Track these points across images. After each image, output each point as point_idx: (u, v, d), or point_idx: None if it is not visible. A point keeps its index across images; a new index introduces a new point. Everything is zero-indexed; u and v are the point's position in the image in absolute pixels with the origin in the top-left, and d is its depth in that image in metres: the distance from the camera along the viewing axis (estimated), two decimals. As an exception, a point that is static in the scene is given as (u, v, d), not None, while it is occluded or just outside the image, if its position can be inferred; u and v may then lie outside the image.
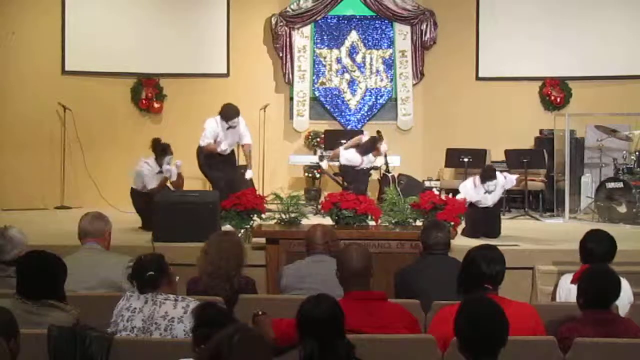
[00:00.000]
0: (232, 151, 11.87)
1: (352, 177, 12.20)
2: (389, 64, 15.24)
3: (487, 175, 10.40)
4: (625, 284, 5.59)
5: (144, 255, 5.26)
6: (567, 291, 6.12)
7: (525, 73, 15.00)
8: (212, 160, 11.57)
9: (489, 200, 10.46)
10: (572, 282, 5.79)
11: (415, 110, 14.93)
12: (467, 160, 12.77)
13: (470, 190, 10.45)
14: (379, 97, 15.19)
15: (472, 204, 10.34)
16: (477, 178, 10.51)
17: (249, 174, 11.95)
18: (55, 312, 4.88)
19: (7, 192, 13.73)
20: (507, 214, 12.66)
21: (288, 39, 15.04)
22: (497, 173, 10.57)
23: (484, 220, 10.45)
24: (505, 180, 10.68)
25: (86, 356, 4.61)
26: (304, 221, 9.47)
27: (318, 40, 15.26)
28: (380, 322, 4.87)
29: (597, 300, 4.94)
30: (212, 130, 11.52)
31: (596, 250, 6.09)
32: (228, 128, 11.48)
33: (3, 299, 4.88)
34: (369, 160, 12.28)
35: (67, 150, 14.07)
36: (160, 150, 11.01)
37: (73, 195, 13.92)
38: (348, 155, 12.17)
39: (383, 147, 12.37)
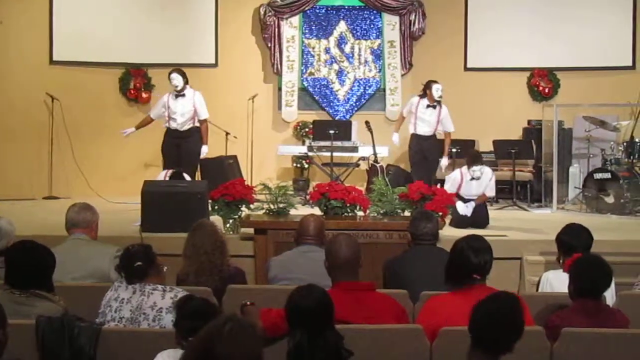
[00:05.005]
0: (191, 133, 11.85)
1: None
2: (378, 55, 15.24)
3: (473, 160, 10.49)
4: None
5: (132, 246, 5.26)
6: (549, 287, 6.16)
7: (513, 64, 15.04)
8: (167, 138, 11.82)
9: (474, 189, 10.51)
10: (565, 271, 5.81)
11: (404, 100, 14.85)
12: (455, 151, 12.75)
13: (457, 177, 10.53)
14: (367, 88, 15.19)
15: (459, 196, 10.44)
16: (464, 167, 10.62)
17: (204, 150, 11.96)
18: (43, 302, 4.87)
19: (-5, 182, 13.72)
20: (495, 205, 12.69)
21: (277, 29, 15.02)
22: (486, 167, 10.67)
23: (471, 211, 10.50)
24: (491, 177, 10.74)
25: (74, 346, 4.62)
26: (293, 211, 9.48)
27: (306, 31, 15.24)
28: (368, 312, 4.88)
29: (588, 289, 4.96)
30: (160, 100, 11.95)
31: (573, 243, 6.14)
32: (177, 96, 11.65)
33: (-9, 290, 4.88)
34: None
35: (55, 141, 14.02)
36: None
37: (61, 185, 13.90)
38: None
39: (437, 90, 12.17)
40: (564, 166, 13.58)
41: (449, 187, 10.38)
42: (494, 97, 14.90)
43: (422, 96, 12.27)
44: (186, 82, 11.78)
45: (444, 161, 12.38)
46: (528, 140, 13.59)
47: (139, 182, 10.03)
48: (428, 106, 12.15)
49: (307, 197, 11.48)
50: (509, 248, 9.30)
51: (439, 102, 12.16)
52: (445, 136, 12.36)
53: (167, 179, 10.84)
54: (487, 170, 10.68)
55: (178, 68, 11.95)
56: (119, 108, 14.76)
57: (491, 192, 10.91)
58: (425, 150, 12.23)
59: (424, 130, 12.20)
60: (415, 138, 12.28)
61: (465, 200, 10.53)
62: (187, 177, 11.12)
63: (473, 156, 10.70)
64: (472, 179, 10.53)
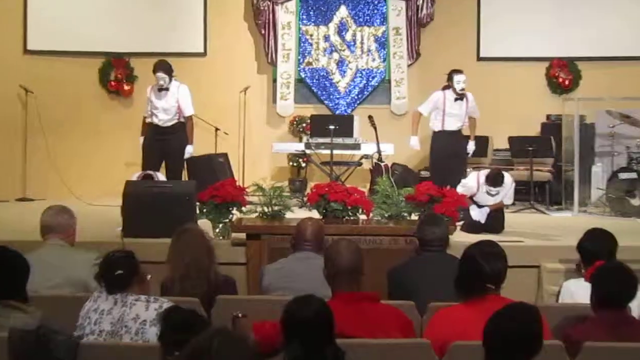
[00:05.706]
0: (176, 129, 11.80)
1: None
2: (382, 43, 15.24)
3: (493, 181, 10.42)
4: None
5: (113, 252, 5.26)
6: (570, 298, 6.16)
7: (530, 53, 15.03)
8: (150, 135, 11.78)
9: (490, 200, 10.51)
10: (586, 279, 5.82)
11: (410, 93, 14.91)
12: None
13: (473, 185, 10.52)
14: (370, 79, 15.20)
15: (473, 201, 10.46)
16: (482, 175, 10.56)
17: (188, 150, 11.86)
18: (17, 313, 4.87)
19: (-36, 183, 13.73)
20: (511, 207, 12.64)
21: (271, 15, 15.03)
22: (507, 178, 10.59)
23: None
24: (510, 186, 10.71)
25: (50, 362, 4.62)
26: (289, 215, 9.47)
27: (304, 16, 15.24)
28: (371, 325, 4.88)
29: (611, 300, 4.96)
30: (146, 99, 11.82)
31: (595, 249, 6.14)
32: (160, 90, 11.60)
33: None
34: None
35: (29, 138, 14.03)
36: None
37: (36, 186, 13.89)
38: None
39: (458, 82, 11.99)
40: (585, 165, 13.56)
41: (463, 192, 10.36)
42: (509, 90, 14.90)
43: (445, 88, 12.13)
44: (171, 76, 11.72)
45: (471, 145, 12.31)
46: (547, 137, 13.59)
47: (120, 183, 10.02)
48: (456, 99, 12.03)
49: (305, 199, 11.48)
50: (526, 255, 9.29)
51: (463, 93, 12.05)
52: (471, 121, 12.30)
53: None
54: (507, 181, 10.60)
55: (163, 62, 11.77)
56: (99, 102, 14.77)
57: (509, 201, 10.92)
58: (454, 145, 12.13)
59: (455, 125, 12.12)
60: (443, 135, 12.11)
61: (479, 206, 10.53)
62: (162, 177, 11.06)
63: (493, 179, 10.53)
64: (488, 193, 10.52)
